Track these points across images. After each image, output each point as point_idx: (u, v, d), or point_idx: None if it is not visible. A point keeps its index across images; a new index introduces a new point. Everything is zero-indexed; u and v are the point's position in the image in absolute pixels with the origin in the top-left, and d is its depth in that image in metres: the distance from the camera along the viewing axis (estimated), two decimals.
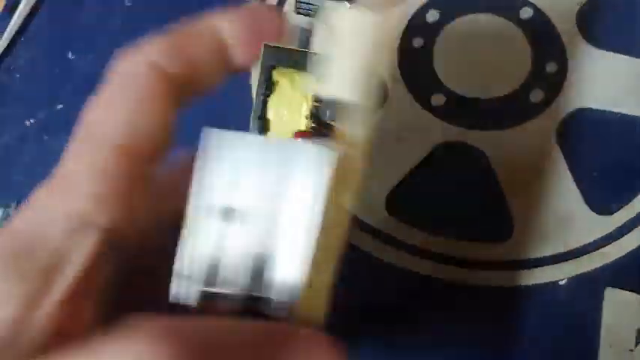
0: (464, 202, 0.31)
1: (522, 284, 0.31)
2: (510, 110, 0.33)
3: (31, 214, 0.15)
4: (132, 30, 0.35)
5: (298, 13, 0.21)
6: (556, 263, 0.31)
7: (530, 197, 0.31)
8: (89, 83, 0.29)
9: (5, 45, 0.37)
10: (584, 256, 0.31)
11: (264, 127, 0.19)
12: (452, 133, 0.33)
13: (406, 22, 0.35)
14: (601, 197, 0.32)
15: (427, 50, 0.34)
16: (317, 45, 0.19)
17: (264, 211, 0.16)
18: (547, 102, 0.33)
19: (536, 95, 0.34)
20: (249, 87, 0.29)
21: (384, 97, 0.33)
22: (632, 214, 0.31)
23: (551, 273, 0.31)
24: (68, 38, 0.38)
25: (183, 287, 0.16)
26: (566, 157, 0.32)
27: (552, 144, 0.32)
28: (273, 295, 0.16)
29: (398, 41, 0.34)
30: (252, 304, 0.16)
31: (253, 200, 0.16)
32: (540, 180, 0.32)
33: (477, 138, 0.32)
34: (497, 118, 0.33)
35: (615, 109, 0.33)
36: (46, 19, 0.38)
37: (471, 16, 0.35)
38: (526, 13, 0.35)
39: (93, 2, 0.38)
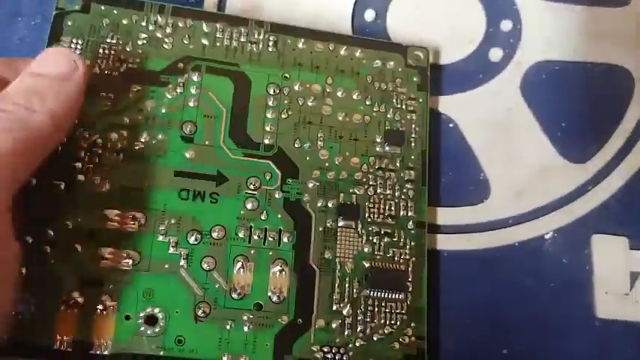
0: (439, 170, 0.30)
1: (507, 243, 0.30)
2: (471, 72, 0.33)
3: None
4: None
5: None
6: (538, 218, 0.30)
7: (502, 156, 0.31)
8: None
9: None
10: (566, 207, 0.30)
11: None
12: None
13: None
14: (573, 146, 0.31)
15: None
16: None
17: None
18: (506, 59, 0.33)
19: (495, 54, 0.33)
20: None
21: None
22: (607, 159, 0.32)
23: (535, 228, 0.30)
24: None
25: None
26: (532, 112, 0.32)
27: (517, 100, 0.32)
28: None
29: None
30: None
31: None
32: (510, 137, 0.31)
33: (441, 103, 0.32)
34: (459, 81, 0.32)
35: (574, 59, 0.33)
36: None
37: None
38: None
39: None
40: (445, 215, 0.30)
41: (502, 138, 0.31)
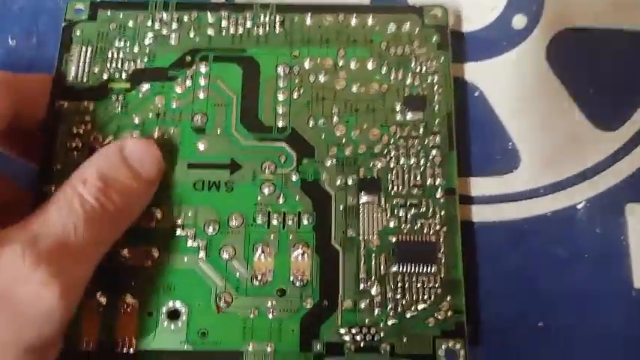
0: (466, 140, 0.28)
1: (539, 214, 0.28)
2: (494, 39, 0.30)
3: None
4: None
5: None
6: (570, 187, 0.28)
7: (531, 125, 0.29)
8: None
9: None
10: (598, 175, 0.28)
11: None
12: None
13: None
14: (602, 114, 0.29)
15: None
16: None
17: None
18: (530, 27, 0.30)
19: (519, 21, 0.31)
20: None
21: None
22: (638, 127, 0.29)
23: (567, 198, 0.28)
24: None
25: None
26: (560, 79, 0.29)
27: (544, 68, 0.30)
28: None
29: None
30: None
31: None
32: (538, 105, 0.29)
33: (465, 71, 0.30)
34: (482, 49, 0.30)
35: (600, 25, 0.30)
36: None
37: None
38: None
39: None
40: (473, 186, 0.28)
41: (529, 106, 0.29)
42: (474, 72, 0.30)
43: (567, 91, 0.29)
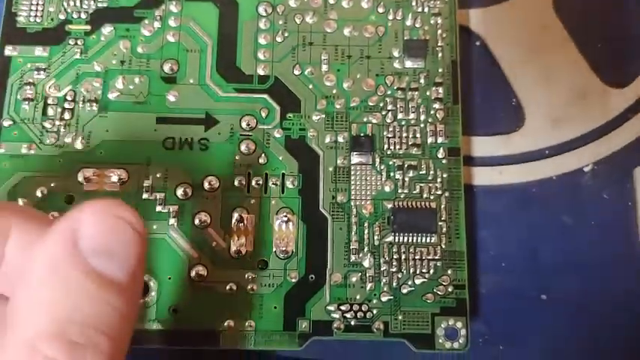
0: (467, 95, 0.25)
1: (543, 177, 0.25)
2: None
3: None
4: None
5: None
6: (577, 148, 0.25)
7: (536, 79, 0.26)
8: None
9: None
10: (606, 136, 0.25)
11: None
12: None
13: None
14: (610, 69, 0.26)
15: None
16: None
17: None
18: None
19: None
20: None
21: None
22: None
23: (573, 160, 0.25)
24: None
25: None
26: (567, 30, 0.26)
27: (550, 16, 0.27)
28: None
29: None
30: None
31: None
32: (544, 57, 0.26)
33: (465, 17, 0.26)
34: None
35: None
36: None
37: None
38: None
39: None
40: (473, 145, 0.25)
41: (535, 58, 0.26)
42: (476, 19, 0.26)
43: (575, 43, 0.26)
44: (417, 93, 0.23)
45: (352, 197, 0.22)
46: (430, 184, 0.22)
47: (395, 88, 0.23)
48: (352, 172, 0.22)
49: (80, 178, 0.22)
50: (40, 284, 0.14)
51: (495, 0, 0.27)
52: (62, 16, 0.24)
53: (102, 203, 0.15)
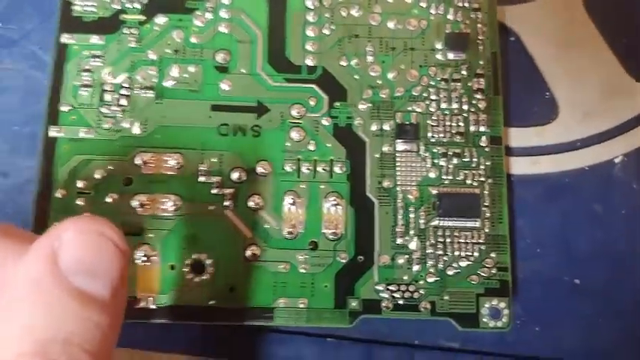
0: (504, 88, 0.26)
1: (576, 167, 0.26)
2: None
3: None
4: None
5: None
6: (607, 140, 0.26)
7: (568, 73, 0.27)
8: None
9: None
10: (635, 129, 0.26)
11: None
12: None
13: None
14: (638, 64, 0.27)
15: None
16: None
17: None
18: None
19: None
20: None
21: None
22: None
23: (604, 151, 0.26)
24: None
25: None
26: (597, 26, 0.27)
27: (581, 12, 0.27)
28: None
29: None
30: None
31: None
32: (575, 53, 0.27)
33: (500, 14, 0.27)
34: None
35: None
36: None
37: None
38: None
39: None
40: (511, 136, 0.26)
41: (566, 54, 0.27)
42: (511, 15, 0.27)
43: (604, 38, 0.27)
44: (459, 84, 0.24)
45: (398, 183, 0.23)
46: (473, 172, 0.23)
47: (438, 78, 0.24)
48: (398, 159, 0.23)
49: (138, 162, 0.22)
50: (20, 303, 0.14)
51: None
52: (116, 6, 0.24)
53: (83, 220, 0.15)
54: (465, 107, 0.24)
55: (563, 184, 0.26)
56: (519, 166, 0.26)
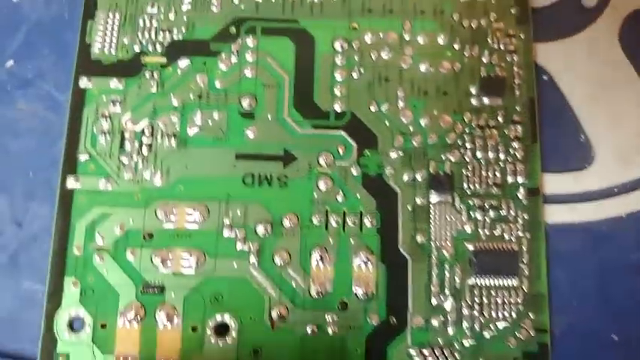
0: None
1: (614, 215, 0.24)
2: (563, 18, 0.26)
3: None
4: None
5: None
6: None
7: (604, 116, 0.25)
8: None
9: None
10: None
11: None
12: None
13: None
14: None
15: None
16: None
17: None
18: (602, 5, 0.26)
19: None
20: None
21: None
22: None
23: None
24: None
25: None
26: (635, 66, 0.26)
27: (617, 52, 0.26)
28: None
29: None
30: None
31: None
32: (612, 94, 0.26)
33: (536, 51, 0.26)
34: (550, 28, 0.26)
35: None
36: None
37: None
38: None
39: None
40: (546, 183, 0.24)
41: (603, 95, 0.25)
42: (543, 53, 0.26)
43: None
44: (495, 131, 0.23)
45: (432, 238, 0.22)
46: (511, 225, 0.22)
47: (473, 125, 0.23)
48: (432, 212, 0.22)
49: (160, 216, 0.21)
50: None
51: (561, 34, 0.26)
52: (137, 48, 0.23)
53: None
54: (502, 156, 0.23)
55: (601, 233, 0.24)
56: (555, 214, 0.24)
